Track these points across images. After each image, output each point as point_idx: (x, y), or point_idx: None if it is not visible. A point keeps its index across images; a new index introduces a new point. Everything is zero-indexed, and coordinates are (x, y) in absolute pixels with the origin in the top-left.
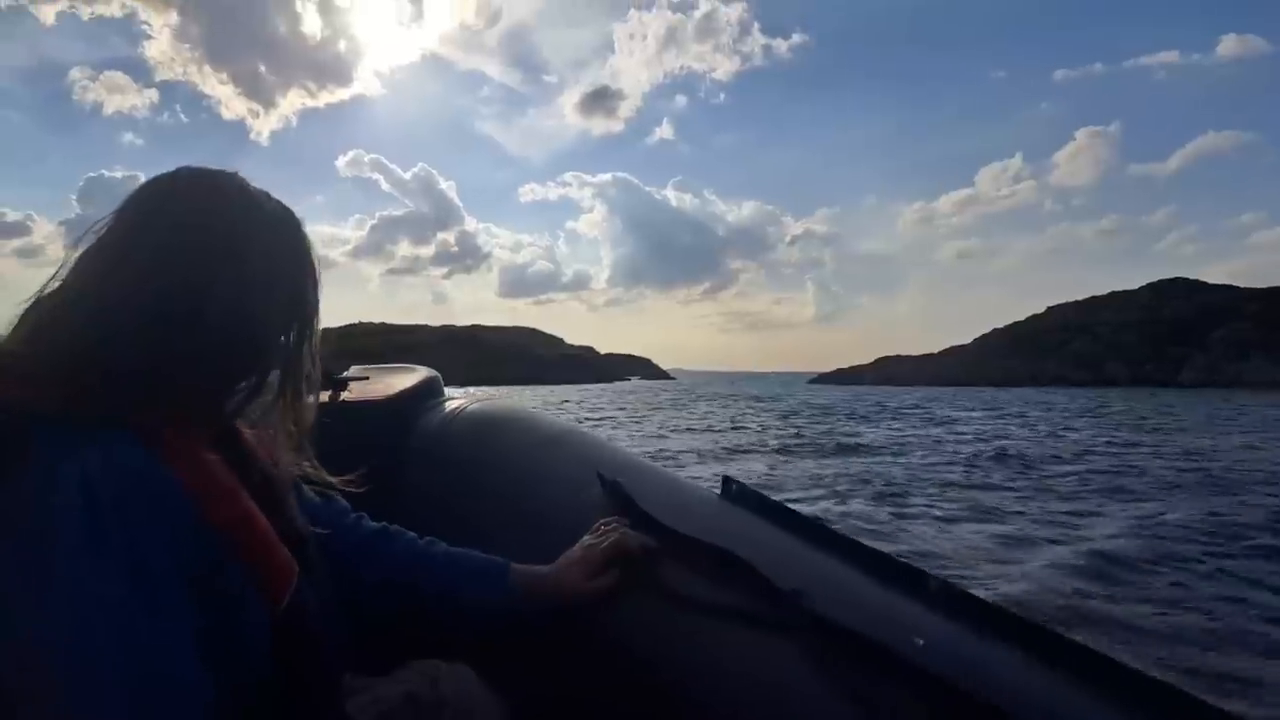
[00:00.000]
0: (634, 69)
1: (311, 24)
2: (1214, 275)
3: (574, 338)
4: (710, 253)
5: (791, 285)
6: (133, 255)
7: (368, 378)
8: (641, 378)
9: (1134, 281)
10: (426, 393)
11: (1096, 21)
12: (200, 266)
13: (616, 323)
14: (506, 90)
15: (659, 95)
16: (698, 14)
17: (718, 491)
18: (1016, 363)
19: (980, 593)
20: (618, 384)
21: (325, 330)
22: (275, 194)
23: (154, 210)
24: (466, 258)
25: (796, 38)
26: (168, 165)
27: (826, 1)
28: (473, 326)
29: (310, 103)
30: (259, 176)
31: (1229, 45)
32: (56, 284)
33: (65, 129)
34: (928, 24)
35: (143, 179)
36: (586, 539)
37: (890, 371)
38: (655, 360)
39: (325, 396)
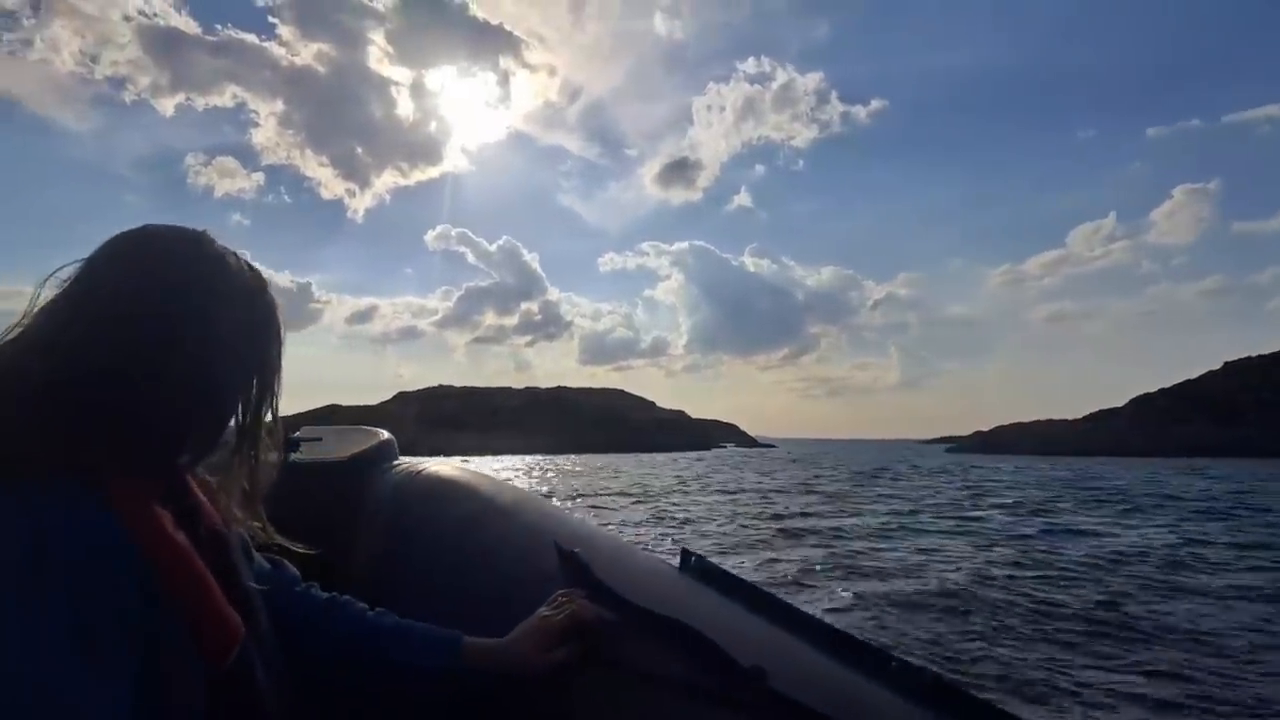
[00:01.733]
0: (712, 140)
1: (405, 108)
2: None
3: (659, 402)
4: (789, 318)
5: (874, 350)
6: (93, 307)
7: (321, 439)
8: (737, 444)
9: (1247, 345)
10: (380, 455)
11: (1189, 79)
12: (161, 321)
13: (694, 389)
14: (585, 164)
15: (737, 165)
16: (775, 85)
17: (676, 564)
18: (1199, 428)
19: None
20: (716, 451)
21: (405, 393)
22: (367, 269)
23: (119, 263)
24: (549, 326)
25: (875, 104)
26: (273, 243)
27: (904, 67)
28: (558, 388)
29: (402, 181)
30: (355, 252)
31: None
32: (18, 330)
33: (179, 211)
34: (1009, 86)
35: (249, 257)
36: (542, 610)
37: (1040, 438)
38: (740, 426)
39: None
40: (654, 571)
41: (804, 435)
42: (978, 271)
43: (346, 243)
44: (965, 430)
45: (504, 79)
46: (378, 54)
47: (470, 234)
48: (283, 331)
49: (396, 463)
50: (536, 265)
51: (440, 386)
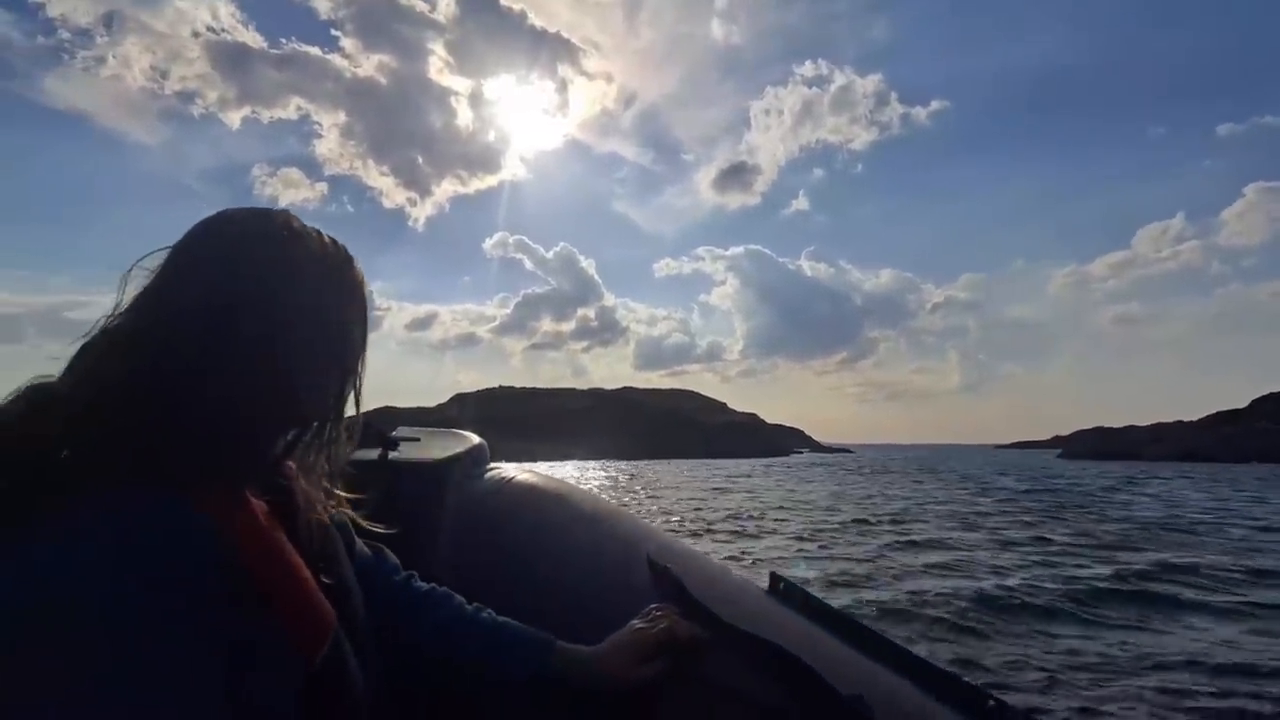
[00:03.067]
0: (770, 144)
1: (465, 117)
2: None
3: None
4: (846, 322)
5: (933, 354)
6: (172, 300)
7: (418, 439)
8: (810, 450)
9: None
10: (473, 460)
11: (1264, 74)
12: (241, 311)
13: (750, 393)
14: (641, 170)
15: (795, 169)
16: (833, 87)
17: (764, 586)
18: None
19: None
20: (794, 457)
21: (463, 395)
22: (426, 277)
23: (197, 251)
24: (605, 332)
25: (936, 104)
26: None
27: (965, 67)
28: (624, 389)
29: (462, 189)
30: (415, 260)
31: None
32: (102, 328)
33: None
34: (1074, 83)
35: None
36: (636, 623)
37: (1111, 441)
38: (805, 431)
39: (374, 454)
40: (743, 592)
41: (863, 440)
42: (1041, 273)
43: (407, 250)
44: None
45: (562, 86)
46: (438, 64)
47: (528, 241)
48: (369, 310)
49: (489, 467)
50: (593, 271)
51: (500, 388)
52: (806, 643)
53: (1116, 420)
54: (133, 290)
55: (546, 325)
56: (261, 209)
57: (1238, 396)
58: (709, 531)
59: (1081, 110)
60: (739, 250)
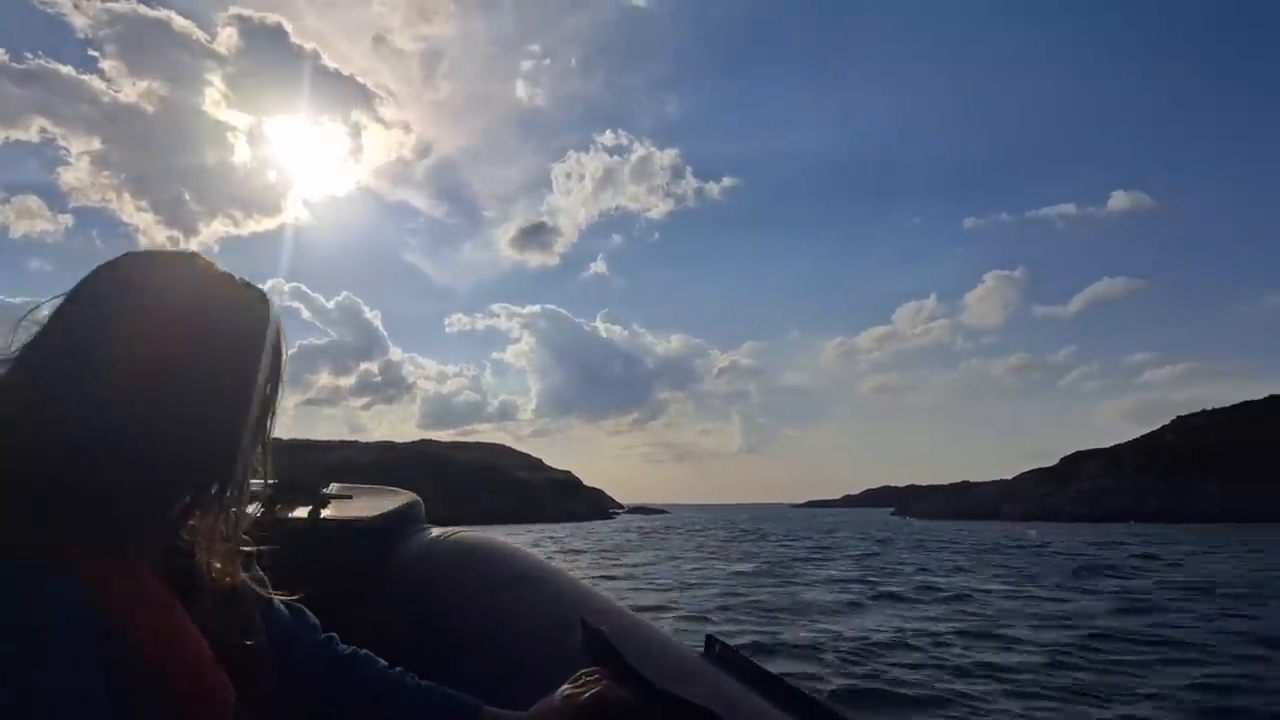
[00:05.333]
0: (571, 207)
1: (242, 154)
2: (1112, 411)
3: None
4: (638, 383)
5: (718, 416)
6: (58, 363)
7: (350, 496)
8: (626, 511)
9: (1046, 415)
10: (408, 517)
11: (1001, 176)
12: (133, 375)
13: (546, 453)
14: (435, 222)
15: (595, 232)
16: (634, 157)
17: (700, 650)
18: (1156, 487)
19: None
20: (622, 519)
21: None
22: None
23: (78, 306)
24: (389, 388)
25: (728, 180)
26: None
27: (755, 149)
28: (422, 441)
29: (234, 230)
30: None
31: (1119, 200)
32: None
33: None
34: (848, 174)
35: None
36: (566, 688)
37: (960, 501)
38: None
39: (304, 513)
40: (678, 655)
41: (657, 500)
42: (815, 343)
43: None
44: (833, 494)
45: (355, 131)
46: (215, 96)
47: (305, 289)
48: (284, 363)
49: (424, 526)
50: (379, 323)
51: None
52: (740, 707)
53: (897, 480)
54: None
55: (324, 379)
56: (158, 252)
57: (992, 459)
58: None
59: (855, 197)
60: (536, 309)
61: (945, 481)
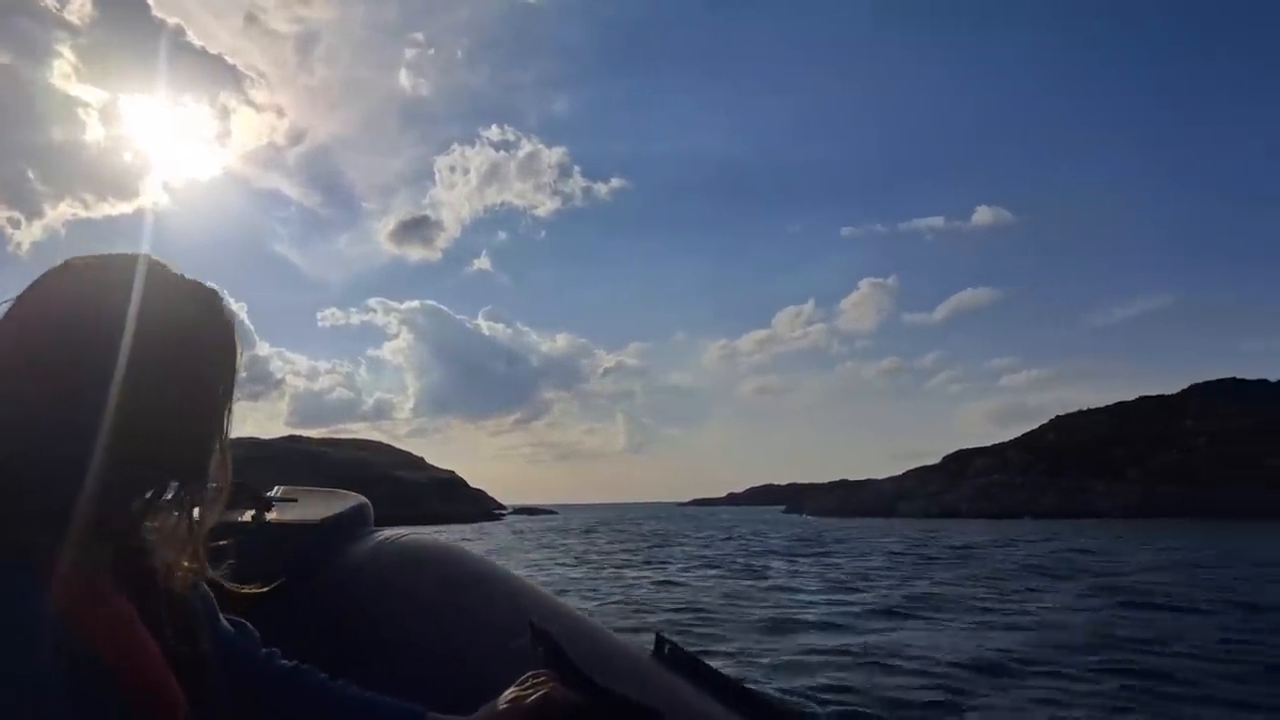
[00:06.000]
0: (455, 201)
1: (95, 133)
2: (975, 413)
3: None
4: (522, 383)
5: (603, 416)
6: (11, 354)
7: (295, 500)
8: (512, 512)
9: (914, 415)
10: (354, 520)
11: (879, 187)
12: (80, 372)
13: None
14: (308, 212)
15: (479, 228)
16: (521, 153)
17: (650, 649)
18: (1043, 484)
19: None
20: (509, 520)
21: None
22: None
23: (33, 307)
24: (255, 384)
25: (616, 181)
26: None
27: (644, 151)
28: (290, 438)
29: (84, 213)
30: (15, 289)
31: (983, 215)
32: None
33: None
34: (734, 179)
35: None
36: (511, 691)
37: (853, 499)
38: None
39: (248, 515)
40: (627, 656)
41: (539, 501)
42: (698, 345)
43: (6, 278)
44: (717, 493)
45: (223, 114)
46: (65, 69)
47: None
48: (238, 357)
49: (371, 529)
50: (244, 316)
51: None
52: (689, 707)
53: (779, 479)
54: None
55: None
56: (114, 256)
57: (868, 457)
58: None
59: (740, 202)
60: (415, 304)
61: (825, 480)
